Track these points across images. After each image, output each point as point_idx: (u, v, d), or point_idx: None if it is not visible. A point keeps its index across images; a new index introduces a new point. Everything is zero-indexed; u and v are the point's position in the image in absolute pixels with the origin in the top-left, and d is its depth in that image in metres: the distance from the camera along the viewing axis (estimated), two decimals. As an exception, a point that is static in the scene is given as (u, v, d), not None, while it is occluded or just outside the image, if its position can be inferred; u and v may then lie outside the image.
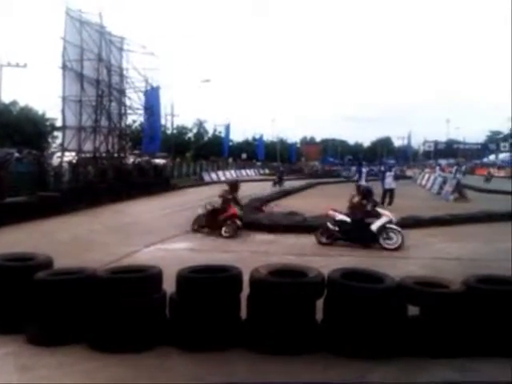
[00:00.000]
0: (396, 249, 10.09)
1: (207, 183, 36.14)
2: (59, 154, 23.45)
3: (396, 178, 19.58)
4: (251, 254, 9.41)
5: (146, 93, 28.01)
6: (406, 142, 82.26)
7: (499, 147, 70.72)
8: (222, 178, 41.15)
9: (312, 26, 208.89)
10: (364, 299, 4.70)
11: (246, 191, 25.73)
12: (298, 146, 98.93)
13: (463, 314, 4.76)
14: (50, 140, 46.12)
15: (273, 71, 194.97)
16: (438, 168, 32.48)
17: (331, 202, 20.18)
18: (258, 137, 71.56)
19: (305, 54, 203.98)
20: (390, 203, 17.96)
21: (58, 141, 36.46)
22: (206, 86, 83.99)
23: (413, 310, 4.92)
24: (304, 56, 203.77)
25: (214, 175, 41.75)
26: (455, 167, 24.01)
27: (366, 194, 11.20)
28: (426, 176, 32.67)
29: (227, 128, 55.87)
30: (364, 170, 18.96)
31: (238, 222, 12.01)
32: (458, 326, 4.72)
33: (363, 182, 17.96)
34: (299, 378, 4.24)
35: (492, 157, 70.50)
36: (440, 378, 4.20)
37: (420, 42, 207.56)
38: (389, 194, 18.17)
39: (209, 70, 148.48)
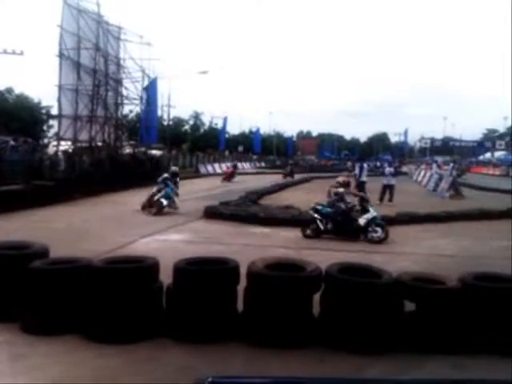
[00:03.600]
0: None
1: (203, 175, 36.12)
2: (55, 142, 23.33)
3: (393, 174, 19.42)
4: (246, 247, 9.40)
5: (143, 84, 27.89)
6: (402, 138, 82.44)
7: (495, 145, 70.78)
8: (218, 171, 41.11)
9: (310, 20, 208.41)
10: (361, 294, 4.71)
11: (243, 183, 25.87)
12: (295, 139, 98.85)
13: (459, 310, 4.77)
14: (45, 128, 45.82)
15: (271, 64, 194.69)
16: (434, 165, 32.42)
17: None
18: (254, 130, 71.43)
19: (303, 47, 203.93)
20: (390, 199, 17.91)
21: (54, 129, 36.31)
22: (203, 78, 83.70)
23: (409, 306, 4.94)
24: (302, 50, 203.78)
25: (210, 167, 41.65)
26: (451, 164, 23.98)
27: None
28: (422, 173, 32.69)
29: (224, 121, 55.77)
30: (365, 165, 18.85)
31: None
32: (454, 323, 4.73)
33: (364, 178, 17.89)
34: (295, 372, 4.23)
35: (488, 155, 70.63)
36: (436, 375, 4.21)
37: (418, 38, 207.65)
38: (388, 190, 18.12)
39: (206, 62, 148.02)
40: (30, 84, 68.41)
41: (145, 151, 29.61)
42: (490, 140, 78.31)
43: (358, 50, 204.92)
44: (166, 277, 5.18)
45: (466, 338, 4.70)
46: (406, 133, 77.57)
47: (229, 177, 28.90)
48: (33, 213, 13.44)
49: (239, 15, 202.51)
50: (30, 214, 13.14)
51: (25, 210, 13.50)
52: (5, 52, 34.76)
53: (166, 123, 47.88)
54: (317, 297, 5.03)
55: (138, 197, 18.29)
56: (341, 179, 11.94)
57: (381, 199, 17.87)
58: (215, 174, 37.12)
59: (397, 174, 22.20)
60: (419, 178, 32.08)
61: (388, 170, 18.84)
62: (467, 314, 4.78)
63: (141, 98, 27.84)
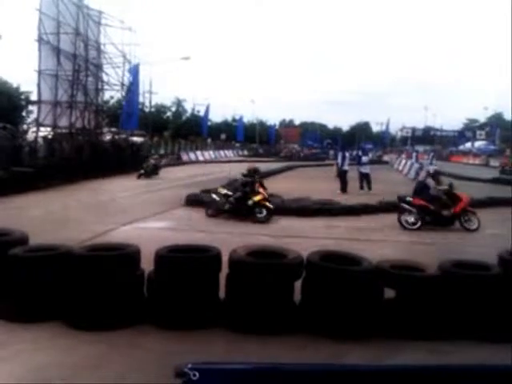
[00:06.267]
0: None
1: (185, 163, 35.97)
2: (34, 128, 22.94)
3: (370, 162, 19.66)
4: (228, 235, 9.40)
5: (124, 69, 27.52)
6: (384, 127, 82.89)
7: (475, 135, 71.62)
8: (200, 158, 40.98)
9: (293, 9, 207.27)
10: (341, 281, 4.74)
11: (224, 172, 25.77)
12: (277, 128, 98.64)
13: (438, 297, 4.84)
14: (24, 114, 45.05)
15: (253, 52, 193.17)
16: (415, 154, 32.94)
17: (309, 184, 20.49)
18: (237, 118, 71.02)
19: (286, 36, 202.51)
20: (369, 188, 18.10)
21: (33, 115, 35.60)
22: (185, 64, 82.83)
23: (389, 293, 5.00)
24: (285, 38, 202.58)
25: (192, 155, 41.49)
26: (431, 154, 24.28)
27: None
28: (403, 162, 33.03)
29: (207, 108, 55.36)
30: (347, 154, 19.04)
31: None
32: (433, 309, 4.80)
33: (346, 167, 18.07)
34: (276, 358, 4.25)
35: (468, 144, 71.40)
36: (414, 360, 4.27)
37: (401, 28, 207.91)
38: (365, 178, 18.30)
39: (189, 49, 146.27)
40: (8, 69, 67.06)
41: (125, 138, 29.28)
42: (470, 130, 79.13)
43: (341, 40, 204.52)
44: (147, 264, 5.16)
45: (443, 323, 4.78)
46: (387, 122, 78.07)
47: None
48: (12, 200, 13.26)
49: (222, 1, 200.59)
50: (9, 201, 12.97)
51: (3, 196, 13.33)
52: (-18, 36, 33.95)
53: (147, 110, 47.34)
54: (298, 284, 5.07)
55: (117, 184, 18.22)
56: None
57: (361, 187, 18.13)
58: (197, 162, 37.10)
59: (372, 162, 22.51)
60: (400, 167, 32.40)
61: (364, 158, 19.08)
62: (445, 301, 4.85)
63: (122, 84, 27.50)
